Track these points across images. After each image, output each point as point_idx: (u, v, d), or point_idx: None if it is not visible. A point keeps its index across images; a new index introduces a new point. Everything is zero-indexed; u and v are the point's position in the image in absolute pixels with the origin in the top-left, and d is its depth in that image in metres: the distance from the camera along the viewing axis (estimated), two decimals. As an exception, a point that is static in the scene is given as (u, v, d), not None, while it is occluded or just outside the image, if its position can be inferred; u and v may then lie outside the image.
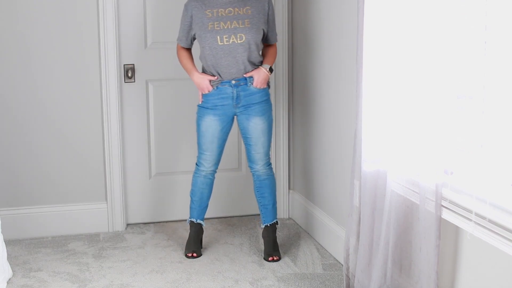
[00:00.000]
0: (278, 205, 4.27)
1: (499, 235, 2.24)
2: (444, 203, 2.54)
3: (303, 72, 4.22)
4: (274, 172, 4.17)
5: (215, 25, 3.55)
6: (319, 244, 4.01)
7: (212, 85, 3.64)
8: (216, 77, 3.63)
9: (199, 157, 3.78)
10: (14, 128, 4.10)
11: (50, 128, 4.15)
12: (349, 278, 3.21)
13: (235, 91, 3.63)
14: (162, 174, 4.42)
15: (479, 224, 2.34)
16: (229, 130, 3.75)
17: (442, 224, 2.57)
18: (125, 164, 4.33)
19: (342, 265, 3.54)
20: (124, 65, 4.23)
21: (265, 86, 3.69)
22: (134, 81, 4.26)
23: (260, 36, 3.62)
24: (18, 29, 4.01)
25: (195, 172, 3.83)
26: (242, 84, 3.63)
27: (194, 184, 3.84)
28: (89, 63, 4.14)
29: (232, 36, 3.55)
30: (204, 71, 3.72)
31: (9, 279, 3.48)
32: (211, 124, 3.68)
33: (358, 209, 3.10)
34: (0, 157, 4.10)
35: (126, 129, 4.29)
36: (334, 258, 3.78)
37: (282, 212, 4.54)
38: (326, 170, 3.94)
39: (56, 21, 4.05)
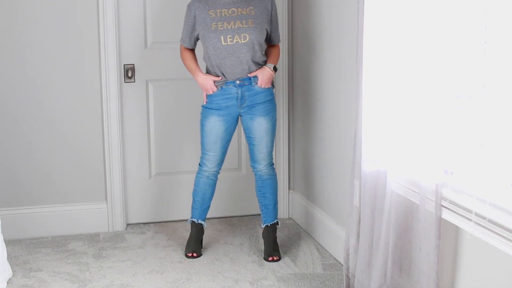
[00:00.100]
0: (278, 205, 4.27)
1: (499, 235, 2.24)
2: (444, 203, 2.54)
3: (303, 72, 4.22)
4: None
5: (219, 25, 3.55)
6: (319, 244, 4.01)
7: (216, 86, 3.64)
8: (220, 78, 3.63)
9: (202, 157, 3.78)
10: (14, 128, 4.10)
11: (50, 128, 4.15)
12: (349, 278, 3.21)
13: (239, 91, 3.63)
14: (162, 174, 4.42)
15: (479, 224, 2.34)
16: (233, 130, 3.75)
17: (442, 224, 2.57)
18: (125, 164, 4.33)
19: (342, 265, 3.54)
20: (124, 65, 4.23)
21: (270, 86, 3.68)
22: (134, 81, 4.26)
23: (264, 36, 3.62)
24: (18, 29, 4.01)
25: (198, 173, 3.83)
26: (246, 84, 3.63)
27: (196, 184, 3.84)
28: (89, 63, 4.14)
29: (236, 36, 3.55)
30: (208, 72, 3.71)
31: (9, 279, 3.48)
32: (215, 124, 3.67)
33: (358, 209, 3.10)
34: (0, 157, 4.10)
35: (126, 129, 4.29)
36: (334, 258, 3.78)
37: (282, 212, 4.54)
38: (326, 170, 3.94)
39: (56, 21, 4.05)
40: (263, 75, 3.63)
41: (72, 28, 4.08)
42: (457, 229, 2.54)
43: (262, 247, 3.92)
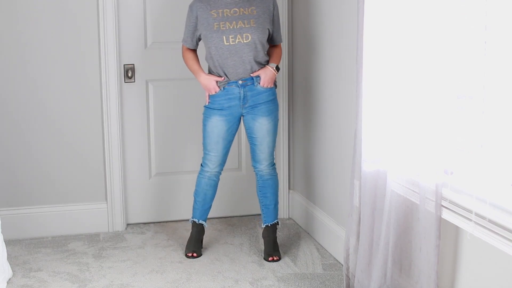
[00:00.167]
0: (278, 205, 4.27)
1: (499, 235, 2.24)
2: (444, 203, 2.54)
3: (303, 72, 4.22)
4: (275, 172, 4.17)
5: (221, 25, 3.55)
6: (319, 244, 4.01)
7: (219, 86, 3.64)
8: (223, 78, 3.63)
9: (204, 158, 3.78)
10: (14, 128, 4.10)
11: (50, 128, 4.15)
12: (349, 278, 3.20)
13: (242, 91, 3.63)
14: (162, 174, 4.42)
15: (479, 224, 2.34)
16: (235, 131, 3.74)
17: (442, 224, 2.57)
18: (125, 164, 4.33)
19: (342, 265, 3.54)
20: (124, 65, 4.23)
21: (272, 85, 3.68)
22: (134, 81, 4.26)
23: (266, 36, 3.62)
24: (18, 29, 4.01)
25: (199, 173, 3.82)
26: (249, 84, 3.63)
27: (198, 184, 3.84)
28: (89, 63, 4.14)
29: (238, 36, 3.55)
30: (210, 72, 3.71)
31: (9, 279, 3.48)
32: (217, 124, 3.67)
33: (358, 209, 3.10)
34: (0, 157, 4.10)
35: (126, 129, 4.29)
36: (334, 258, 3.78)
37: (282, 212, 4.54)
38: (326, 170, 3.94)
39: (56, 21, 4.05)
40: (266, 75, 3.63)
41: (72, 28, 4.08)
42: (457, 229, 2.54)
43: (262, 247, 3.92)
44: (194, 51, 3.78)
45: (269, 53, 3.74)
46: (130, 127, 4.30)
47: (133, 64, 4.24)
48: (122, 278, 3.53)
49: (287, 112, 4.46)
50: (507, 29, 2.21)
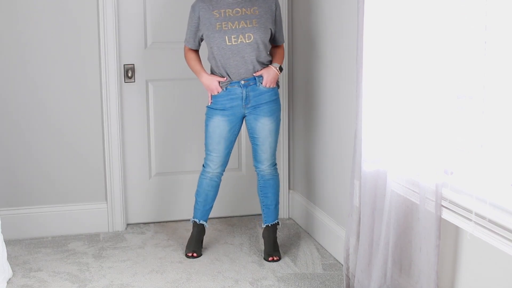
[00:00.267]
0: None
1: (499, 235, 2.24)
2: (444, 203, 2.54)
3: (303, 72, 4.22)
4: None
5: (223, 25, 3.55)
6: (319, 244, 4.01)
7: (221, 86, 3.63)
8: (225, 78, 3.63)
9: (205, 158, 3.77)
10: (14, 128, 4.10)
11: (50, 128, 4.15)
12: (349, 278, 3.20)
13: (244, 92, 3.62)
14: (162, 174, 4.42)
15: (479, 224, 2.34)
16: (238, 131, 3.74)
17: (442, 224, 2.57)
18: (125, 164, 4.33)
19: (342, 265, 3.54)
20: (124, 65, 4.23)
21: (274, 85, 3.68)
22: (134, 81, 4.26)
23: (268, 36, 3.62)
24: (18, 29, 4.01)
25: (201, 174, 3.82)
26: (251, 84, 3.63)
27: (199, 185, 3.83)
28: (89, 63, 4.14)
29: (240, 36, 3.55)
30: (212, 72, 3.71)
31: (9, 279, 3.48)
32: (219, 124, 3.67)
33: (358, 209, 3.10)
34: (0, 157, 4.10)
35: (126, 129, 4.29)
36: (334, 258, 3.78)
37: (282, 212, 4.54)
38: (326, 170, 3.94)
39: (56, 21, 4.05)
40: (269, 74, 3.63)
41: (72, 28, 4.08)
42: (457, 229, 2.54)
43: (262, 247, 3.92)
44: (196, 51, 3.78)
45: (271, 54, 3.74)
46: (130, 127, 4.30)
47: (133, 64, 4.24)
48: (122, 278, 3.53)
49: (287, 112, 4.46)
50: (507, 29, 2.21)
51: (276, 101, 3.71)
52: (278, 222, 3.88)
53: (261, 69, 3.63)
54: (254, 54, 3.58)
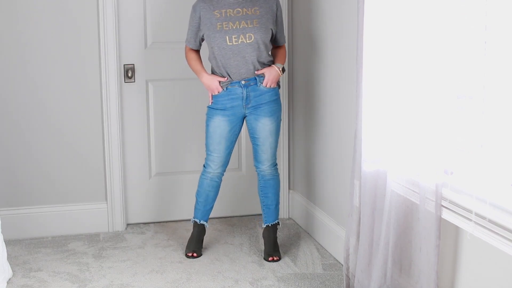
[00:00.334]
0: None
1: (499, 235, 2.24)
2: (444, 203, 2.54)
3: (303, 72, 4.22)
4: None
5: (224, 25, 3.55)
6: (319, 244, 4.01)
7: (221, 86, 3.63)
8: (226, 78, 3.63)
9: (206, 159, 3.77)
10: (14, 128, 4.10)
11: (50, 128, 4.15)
12: (349, 278, 3.20)
13: (245, 92, 3.62)
14: (162, 174, 4.42)
15: (479, 224, 2.34)
16: (238, 132, 3.74)
17: (442, 224, 2.57)
18: (125, 164, 4.33)
19: (342, 265, 3.54)
20: (124, 65, 4.23)
21: (275, 86, 3.68)
22: (134, 81, 4.26)
23: (269, 36, 3.62)
24: (18, 29, 4.01)
25: (202, 174, 3.82)
26: (252, 84, 3.63)
27: (200, 185, 3.83)
28: (89, 63, 4.14)
29: (241, 36, 3.55)
30: (213, 72, 3.71)
31: (9, 279, 3.48)
32: (220, 124, 3.66)
33: (358, 209, 3.10)
34: (0, 157, 4.10)
35: (126, 129, 4.29)
36: (334, 258, 3.78)
37: (282, 212, 4.54)
38: (326, 170, 3.94)
39: (56, 21, 4.05)
40: (270, 74, 3.63)
41: (72, 28, 4.08)
42: (457, 229, 2.54)
43: (262, 247, 3.93)
44: (197, 51, 3.78)
45: (273, 54, 3.74)
46: (130, 127, 4.30)
47: (133, 64, 4.24)
48: (122, 278, 3.53)
49: (287, 112, 4.46)
50: (507, 29, 2.21)
51: (277, 101, 3.70)
52: (278, 222, 3.88)
53: (264, 68, 3.63)
54: (254, 54, 3.58)
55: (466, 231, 2.43)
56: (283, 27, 3.74)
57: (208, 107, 3.73)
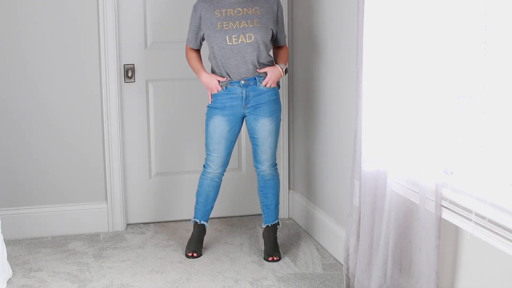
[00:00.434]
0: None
1: (499, 235, 2.24)
2: (444, 203, 2.54)
3: (303, 72, 4.22)
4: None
5: (224, 25, 3.55)
6: (319, 244, 4.01)
7: (221, 86, 3.63)
8: (225, 78, 3.62)
9: (206, 159, 3.77)
10: (14, 128, 4.10)
11: (50, 128, 4.15)
12: (349, 278, 3.20)
13: (244, 91, 3.62)
14: (162, 174, 4.42)
15: (479, 224, 2.34)
16: (238, 131, 3.73)
17: (442, 224, 2.57)
18: (125, 164, 4.33)
19: (342, 265, 3.54)
20: (124, 65, 4.23)
21: (275, 85, 3.68)
22: (134, 81, 4.26)
23: (269, 36, 3.62)
24: (18, 29, 4.01)
25: (202, 174, 3.82)
26: (251, 84, 3.63)
27: (200, 185, 3.83)
28: (89, 63, 4.14)
29: (241, 36, 3.55)
30: (213, 72, 3.71)
31: (9, 279, 3.48)
32: (219, 124, 3.66)
33: (358, 209, 3.10)
34: (0, 157, 4.10)
35: (126, 129, 4.29)
36: (334, 258, 3.78)
37: (282, 212, 4.54)
38: (326, 170, 3.94)
39: (56, 21, 4.05)
40: (273, 73, 3.62)
41: (72, 28, 4.08)
42: (457, 229, 2.54)
43: (262, 247, 3.92)
44: (198, 51, 3.78)
45: (276, 55, 3.74)
46: (130, 127, 4.30)
47: (133, 64, 4.24)
48: (122, 278, 3.53)
49: (287, 112, 4.46)
50: (507, 29, 2.21)
51: (276, 101, 3.70)
52: (278, 222, 3.88)
53: (267, 66, 3.63)
54: (254, 54, 3.58)
55: (466, 231, 2.43)
56: (283, 27, 3.74)
57: (208, 106, 3.73)
